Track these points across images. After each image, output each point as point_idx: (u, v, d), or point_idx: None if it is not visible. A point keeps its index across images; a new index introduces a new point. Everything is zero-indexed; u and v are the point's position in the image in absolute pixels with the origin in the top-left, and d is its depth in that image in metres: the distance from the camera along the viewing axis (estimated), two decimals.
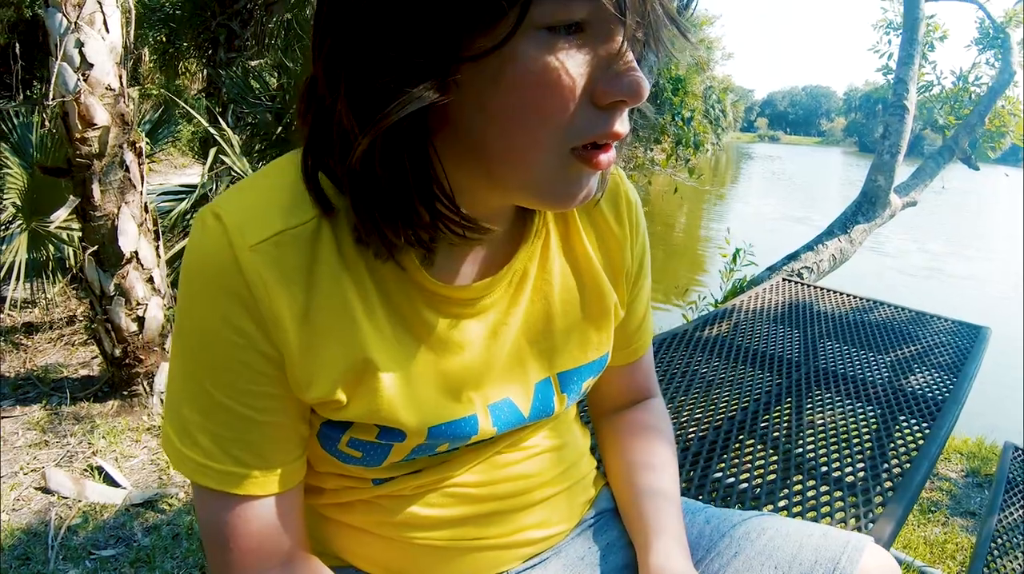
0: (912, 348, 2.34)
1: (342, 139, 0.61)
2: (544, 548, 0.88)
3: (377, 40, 0.57)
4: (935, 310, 2.81)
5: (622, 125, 0.61)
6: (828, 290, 2.91)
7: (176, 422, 0.69)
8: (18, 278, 3.90)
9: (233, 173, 4.14)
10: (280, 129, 4.24)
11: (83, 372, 3.66)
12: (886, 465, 1.52)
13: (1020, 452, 2.78)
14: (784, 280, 3.01)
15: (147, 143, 3.47)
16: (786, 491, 1.42)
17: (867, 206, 5.64)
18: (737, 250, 5.24)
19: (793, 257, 5.25)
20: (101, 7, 2.86)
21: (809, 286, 2.96)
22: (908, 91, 5.70)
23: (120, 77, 2.95)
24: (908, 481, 1.43)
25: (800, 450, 1.59)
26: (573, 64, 0.57)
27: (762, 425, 1.70)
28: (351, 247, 0.68)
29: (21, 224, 4.04)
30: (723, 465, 1.50)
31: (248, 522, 0.69)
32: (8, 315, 4.37)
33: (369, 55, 0.57)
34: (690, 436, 1.61)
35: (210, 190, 4.22)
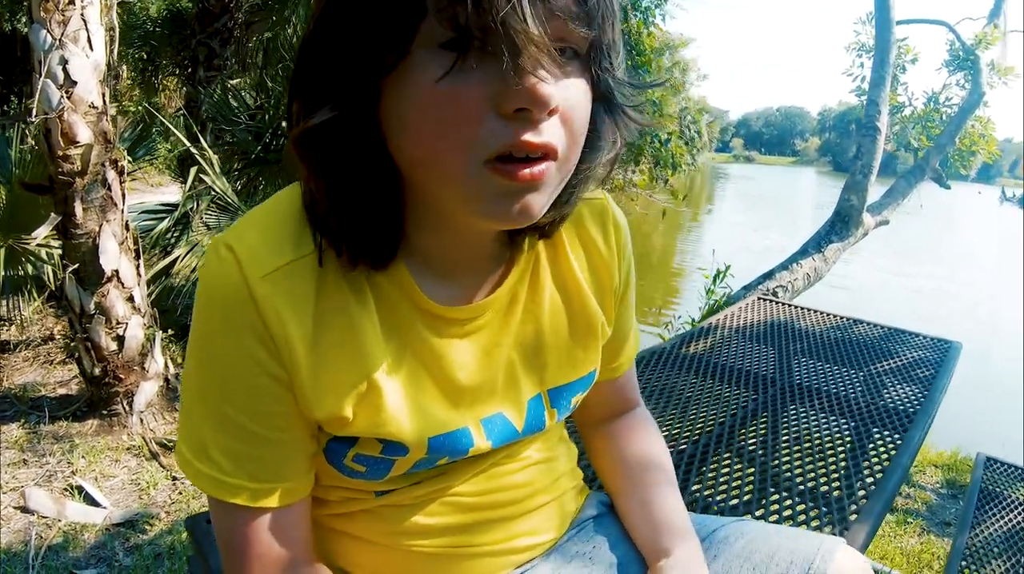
0: (886, 363, 2.38)
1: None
2: (534, 555, 0.91)
3: (316, 65, 0.64)
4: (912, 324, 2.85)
5: (536, 135, 0.60)
6: (805, 309, 2.96)
7: (192, 440, 0.73)
8: None
9: (213, 192, 4.14)
10: (259, 148, 4.25)
11: (61, 391, 3.64)
12: (860, 476, 1.55)
13: (993, 463, 2.84)
14: (760, 299, 3.05)
15: (128, 161, 3.48)
16: (763, 502, 1.45)
17: (840, 225, 5.74)
18: (718, 271, 5.30)
19: (768, 276, 5.33)
20: (86, 25, 2.87)
21: (786, 305, 3.01)
22: (880, 112, 5.81)
23: (103, 95, 2.96)
24: (881, 490, 1.47)
25: (775, 463, 1.62)
26: (471, 78, 0.58)
27: (738, 440, 1.73)
28: (354, 270, 0.72)
29: None
30: (700, 478, 1.53)
31: (259, 532, 0.74)
32: None
33: (312, 79, 0.65)
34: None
35: (190, 209, 4.21)
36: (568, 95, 0.63)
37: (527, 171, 0.62)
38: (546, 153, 0.62)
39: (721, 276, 5.24)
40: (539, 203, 0.65)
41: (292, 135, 0.65)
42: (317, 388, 0.71)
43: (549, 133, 0.62)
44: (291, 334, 0.69)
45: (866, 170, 5.67)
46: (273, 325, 0.68)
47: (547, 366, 0.86)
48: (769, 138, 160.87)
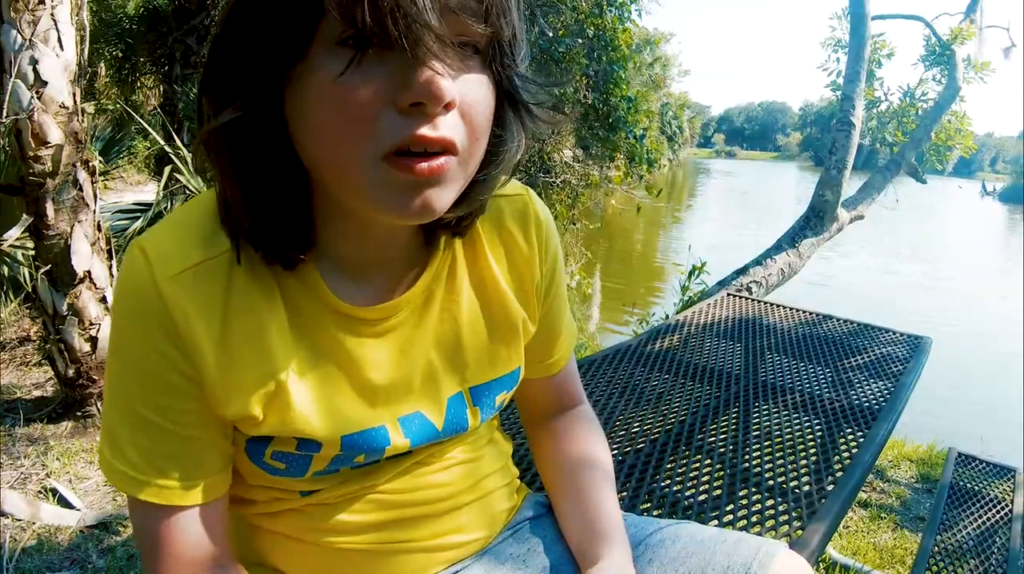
0: (856, 359, 2.36)
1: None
2: (466, 554, 0.92)
3: (223, 64, 0.65)
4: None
5: (432, 130, 0.61)
6: (775, 304, 2.93)
7: (108, 436, 0.74)
8: None
9: (188, 191, 4.12)
10: None
11: (37, 393, 3.62)
12: (827, 472, 1.54)
13: (965, 459, 2.86)
14: (729, 295, 3.02)
15: (100, 161, 3.46)
16: (729, 498, 1.44)
17: (815, 220, 5.77)
18: (693, 267, 5.30)
19: (742, 271, 5.35)
20: (56, 25, 2.86)
21: (757, 301, 2.98)
22: (855, 107, 5.85)
23: (74, 95, 2.94)
24: (841, 486, 1.46)
25: (740, 459, 1.61)
26: (369, 75, 0.59)
27: (702, 437, 1.72)
28: (265, 270, 0.73)
29: None
30: (660, 475, 1.53)
31: (172, 530, 0.74)
32: None
33: (219, 78, 0.65)
34: (627, 449, 1.64)
35: (165, 208, 4.20)
36: (467, 90, 0.64)
37: (425, 165, 0.62)
38: (445, 148, 0.63)
39: (696, 272, 5.24)
40: (441, 199, 0.66)
41: (200, 133, 0.66)
42: (226, 387, 0.72)
43: (447, 128, 0.62)
44: (198, 334, 0.70)
45: (840, 165, 5.71)
46: (181, 325, 0.70)
47: (468, 365, 0.86)
48: (751, 133, 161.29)
